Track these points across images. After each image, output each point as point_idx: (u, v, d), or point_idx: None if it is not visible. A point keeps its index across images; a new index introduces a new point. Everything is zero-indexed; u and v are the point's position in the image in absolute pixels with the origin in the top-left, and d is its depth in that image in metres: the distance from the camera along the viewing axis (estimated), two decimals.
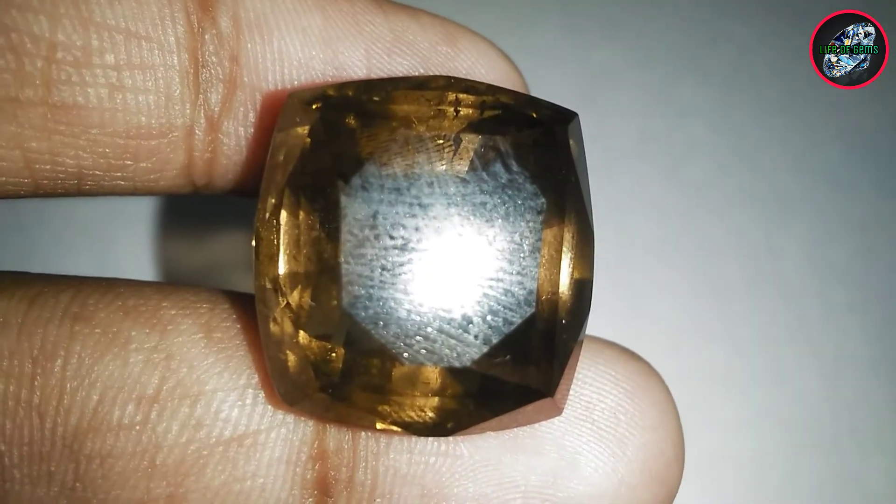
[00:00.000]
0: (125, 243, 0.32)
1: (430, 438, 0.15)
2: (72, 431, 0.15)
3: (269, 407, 0.15)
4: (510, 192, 0.14)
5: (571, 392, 0.16)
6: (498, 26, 0.35)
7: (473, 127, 0.14)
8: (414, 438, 0.15)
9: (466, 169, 0.14)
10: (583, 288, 0.14)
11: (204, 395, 0.15)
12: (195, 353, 0.15)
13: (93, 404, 0.15)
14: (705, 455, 0.31)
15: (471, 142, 0.14)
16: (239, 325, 0.16)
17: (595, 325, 0.33)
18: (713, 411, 0.32)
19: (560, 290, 0.14)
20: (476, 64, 0.17)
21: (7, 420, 0.14)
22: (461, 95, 0.14)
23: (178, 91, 0.16)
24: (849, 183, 0.35)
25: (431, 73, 0.17)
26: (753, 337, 0.33)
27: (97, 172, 0.16)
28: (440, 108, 0.14)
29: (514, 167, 0.14)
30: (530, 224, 0.14)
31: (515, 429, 0.16)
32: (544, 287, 0.14)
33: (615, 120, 0.35)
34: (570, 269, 0.14)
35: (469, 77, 0.17)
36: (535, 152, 0.14)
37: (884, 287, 0.34)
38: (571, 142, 0.14)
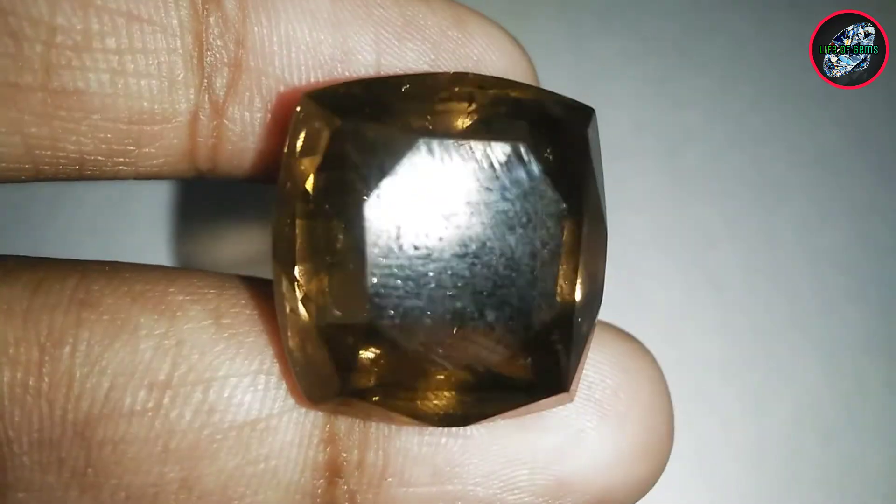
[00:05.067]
0: (135, 231, 0.31)
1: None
2: (83, 418, 0.15)
3: (281, 392, 0.16)
4: (532, 199, 0.14)
5: None
6: (494, 16, 0.35)
7: (491, 125, 0.14)
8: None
9: (490, 175, 0.14)
10: (595, 287, 0.15)
11: (216, 381, 0.15)
12: (205, 338, 0.15)
13: (104, 391, 0.15)
14: (704, 442, 0.32)
15: (493, 147, 0.14)
16: (248, 311, 0.16)
17: None
18: (711, 399, 0.32)
19: (576, 293, 0.15)
20: (487, 50, 0.17)
21: (15, 408, 0.14)
22: (477, 91, 0.14)
23: (181, 75, 0.15)
24: (844, 170, 0.35)
25: (441, 59, 0.17)
26: (750, 325, 0.33)
27: (99, 158, 0.15)
28: (456, 105, 0.14)
29: (536, 173, 0.14)
30: (550, 230, 0.14)
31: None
32: (562, 291, 0.14)
33: (611, 110, 0.35)
34: (585, 272, 0.15)
35: (479, 63, 0.17)
36: (554, 155, 0.14)
37: (879, 274, 0.34)
38: (590, 139, 0.15)
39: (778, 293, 0.34)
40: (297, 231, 0.14)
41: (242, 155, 0.17)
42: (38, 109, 0.15)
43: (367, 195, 0.14)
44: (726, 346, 0.33)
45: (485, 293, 0.14)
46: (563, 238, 0.14)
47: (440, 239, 0.14)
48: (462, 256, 0.14)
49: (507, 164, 0.14)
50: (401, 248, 0.14)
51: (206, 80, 0.16)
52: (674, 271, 0.34)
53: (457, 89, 0.14)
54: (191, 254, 0.31)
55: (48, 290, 0.15)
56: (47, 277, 0.15)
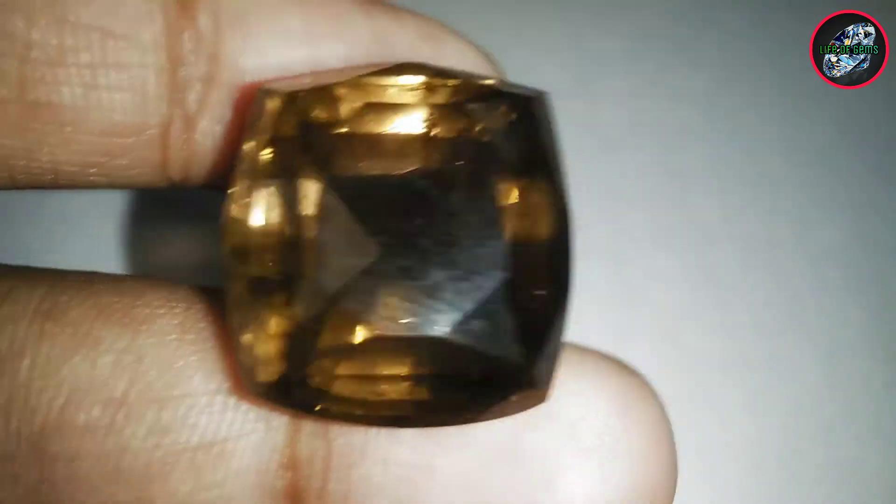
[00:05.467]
0: (108, 236, 0.32)
1: (406, 448, 0.15)
2: (37, 432, 0.14)
3: (240, 413, 0.15)
4: (480, 159, 0.14)
5: (555, 406, 0.15)
6: (490, 13, 0.35)
7: (444, 105, 0.14)
8: (388, 445, 0.15)
9: (436, 139, 0.14)
10: (558, 255, 0.14)
11: (172, 400, 0.15)
12: (166, 355, 0.15)
13: (59, 405, 0.14)
14: (702, 441, 0.31)
15: (441, 116, 0.14)
16: (214, 326, 0.15)
17: (589, 313, 0.31)
18: (709, 397, 0.32)
19: (536, 255, 0.14)
20: (458, 66, 0.17)
21: None
22: (433, 79, 0.14)
23: (154, 90, 0.16)
24: (844, 168, 0.35)
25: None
26: (749, 323, 0.33)
27: (72, 168, 0.16)
28: (412, 91, 0.14)
29: (485, 137, 0.14)
30: (500, 188, 0.14)
31: (494, 446, 0.15)
32: (518, 252, 0.14)
33: (608, 106, 0.35)
34: (547, 233, 0.14)
35: None
36: (505, 123, 0.14)
37: (879, 271, 0.34)
38: (542, 115, 0.14)
39: (777, 291, 0.33)
40: (248, 214, 0.14)
41: (215, 167, 0.16)
42: (13, 121, 0.15)
43: (314, 170, 0.14)
44: (725, 344, 0.32)
45: (431, 253, 0.13)
46: (517, 198, 0.14)
47: (386, 200, 0.14)
48: (408, 216, 0.14)
49: (456, 129, 0.14)
50: (346, 205, 0.13)
51: (178, 95, 0.16)
52: (672, 268, 0.33)
53: (411, 74, 0.14)
54: (170, 259, 0.32)
55: (15, 300, 0.15)
56: (17, 287, 0.15)
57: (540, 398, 0.14)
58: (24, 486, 0.14)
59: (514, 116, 0.14)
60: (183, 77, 0.16)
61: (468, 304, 0.13)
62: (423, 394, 0.14)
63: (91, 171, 0.16)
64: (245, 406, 0.15)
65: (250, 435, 0.15)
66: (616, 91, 0.35)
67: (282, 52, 0.16)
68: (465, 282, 0.13)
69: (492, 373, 0.14)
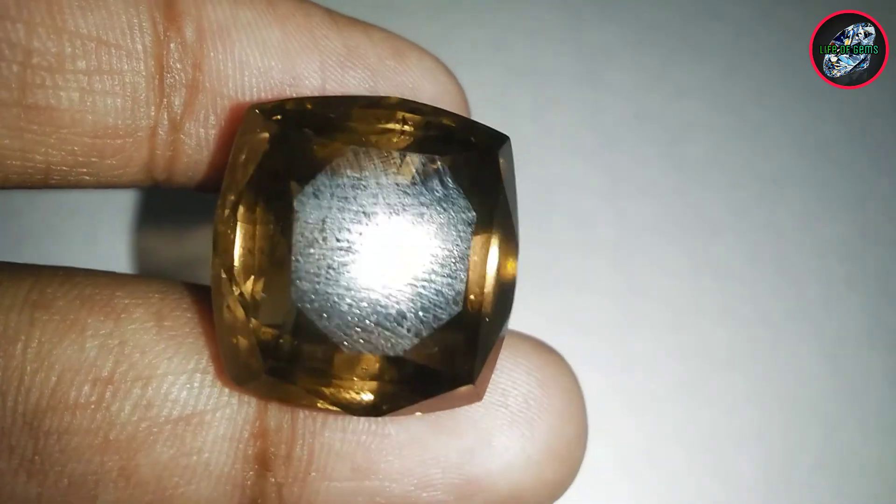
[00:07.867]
0: (96, 237, 0.32)
1: (364, 418, 0.17)
2: (31, 410, 0.16)
3: (216, 389, 0.17)
4: (445, 205, 0.16)
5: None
6: (492, 5, 0.35)
7: (417, 145, 0.16)
8: (349, 418, 0.17)
9: (408, 183, 0.16)
10: (505, 290, 0.16)
11: (155, 378, 0.16)
12: (147, 339, 0.17)
13: (51, 385, 0.16)
14: (706, 431, 0.32)
15: (413, 159, 0.16)
16: (189, 314, 0.17)
17: (595, 304, 0.33)
18: (714, 389, 0.32)
19: (485, 292, 0.16)
20: (421, 79, 0.19)
21: None
22: (408, 115, 0.16)
23: (143, 95, 0.17)
24: (847, 160, 0.35)
25: (380, 85, 0.18)
26: (753, 315, 0.33)
27: (64, 168, 0.17)
28: (389, 125, 0.16)
29: (450, 184, 0.16)
30: (461, 234, 0.16)
31: (439, 412, 0.18)
32: (471, 289, 0.16)
33: (612, 99, 0.35)
34: (495, 274, 0.16)
35: (414, 90, 0.19)
36: (468, 171, 0.16)
37: (882, 264, 0.34)
38: (501, 161, 0.16)
39: (781, 283, 0.33)
40: (235, 218, 0.15)
41: (196, 167, 0.18)
42: (13, 123, 0.16)
43: (297, 193, 0.15)
44: (729, 336, 0.33)
45: (400, 286, 0.16)
46: (472, 242, 0.16)
47: (360, 235, 0.15)
48: (380, 252, 0.16)
49: (425, 174, 0.16)
50: (325, 240, 0.15)
51: (165, 99, 0.17)
52: (677, 261, 0.33)
53: (390, 111, 0.16)
54: (143, 256, 0.33)
55: (4, 292, 0.16)
56: (3, 281, 0.16)
57: (478, 398, 0.17)
58: (19, 458, 0.16)
59: (478, 163, 0.16)
60: (169, 83, 0.17)
61: (426, 332, 0.16)
62: (378, 397, 0.16)
63: (82, 170, 0.17)
64: (220, 382, 0.17)
65: (225, 408, 0.17)
66: (621, 84, 0.35)
67: (260, 62, 0.18)
68: (426, 313, 0.16)
69: (443, 383, 0.16)
